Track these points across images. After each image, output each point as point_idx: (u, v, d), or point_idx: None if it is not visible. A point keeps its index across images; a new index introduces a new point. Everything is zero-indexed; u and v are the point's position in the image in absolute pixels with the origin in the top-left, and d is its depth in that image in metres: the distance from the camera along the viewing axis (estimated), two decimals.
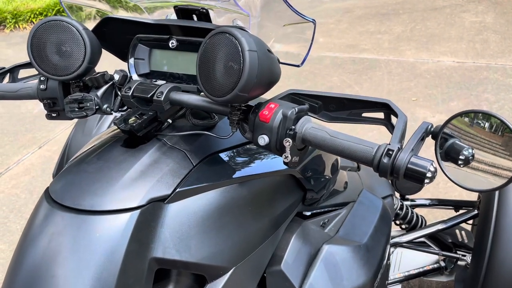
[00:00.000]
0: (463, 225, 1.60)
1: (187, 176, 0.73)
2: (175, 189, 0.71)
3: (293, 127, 0.69)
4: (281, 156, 0.70)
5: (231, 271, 0.76)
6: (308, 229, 0.99)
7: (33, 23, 6.05)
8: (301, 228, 0.97)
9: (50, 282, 0.61)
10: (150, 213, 0.67)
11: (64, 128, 3.17)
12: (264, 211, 0.86)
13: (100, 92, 0.79)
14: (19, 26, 6.00)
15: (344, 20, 5.00)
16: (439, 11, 4.87)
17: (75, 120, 1.77)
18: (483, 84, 3.31)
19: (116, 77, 0.80)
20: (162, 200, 0.69)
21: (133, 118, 0.77)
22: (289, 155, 0.68)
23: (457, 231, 1.63)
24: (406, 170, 0.60)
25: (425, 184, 0.60)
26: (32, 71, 1.06)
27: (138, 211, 0.66)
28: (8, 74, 1.02)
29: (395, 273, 1.52)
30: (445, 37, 4.22)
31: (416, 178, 0.60)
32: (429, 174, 0.59)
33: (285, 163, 0.70)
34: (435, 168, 0.60)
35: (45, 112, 0.87)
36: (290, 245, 0.93)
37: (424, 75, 3.55)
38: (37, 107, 3.49)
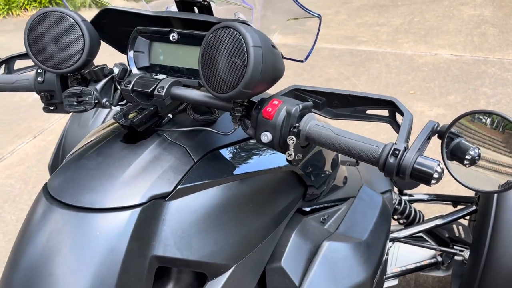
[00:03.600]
0: (461, 220, 1.60)
1: (188, 172, 0.72)
2: (176, 186, 0.69)
3: (297, 124, 0.67)
4: (284, 153, 0.69)
5: (232, 268, 0.76)
6: (308, 226, 0.98)
7: (27, 10, 5.96)
8: (301, 224, 0.97)
9: (49, 281, 0.60)
10: (151, 211, 0.66)
11: (59, 118, 3.14)
12: (265, 208, 0.85)
13: (99, 85, 0.77)
14: (12, 13, 5.91)
15: (342, 12, 4.97)
16: (437, 3, 4.85)
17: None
18: (481, 78, 3.31)
19: (116, 70, 0.78)
20: (163, 197, 0.68)
21: (133, 113, 0.75)
22: (293, 153, 0.67)
23: (454, 226, 1.63)
24: (413, 170, 0.59)
25: (431, 185, 0.60)
26: (28, 62, 1.04)
27: (139, 209, 0.65)
28: (4, 65, 0.99)
29: (392, 268, 1.53)
30: (444, 30, 4.20)
31: (423, 178, 0.59)
32: (435, 175, 0.58)
33: (288, 161, 0.69)
34: (442, 169, 0.59)
35: (42, 103, 0.86)
36: (290, 241, 0.92)
37: (422, 68, 3.54)
38: (31, 96, 3.45)
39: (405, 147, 0.61)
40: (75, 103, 0.75)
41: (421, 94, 3.16)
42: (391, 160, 0.60)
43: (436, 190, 2.22)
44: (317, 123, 0.68)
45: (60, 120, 3.11)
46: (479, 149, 0.65)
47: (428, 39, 4.06)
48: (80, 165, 0.71)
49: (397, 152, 0.60)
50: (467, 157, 0.65)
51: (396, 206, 1.52)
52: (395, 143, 0.61)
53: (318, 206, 1.10)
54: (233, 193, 0.77)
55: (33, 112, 3.25)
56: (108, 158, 0.71)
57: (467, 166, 0.66)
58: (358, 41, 4.16)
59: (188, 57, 0.82)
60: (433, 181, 0.58)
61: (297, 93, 0.77)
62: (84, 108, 0.75)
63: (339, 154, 1.21)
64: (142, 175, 0.68)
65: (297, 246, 0.92)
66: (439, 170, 0.58)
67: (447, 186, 2.24)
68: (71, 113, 1.70)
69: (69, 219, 0.63)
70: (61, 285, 0.60)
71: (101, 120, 1.55)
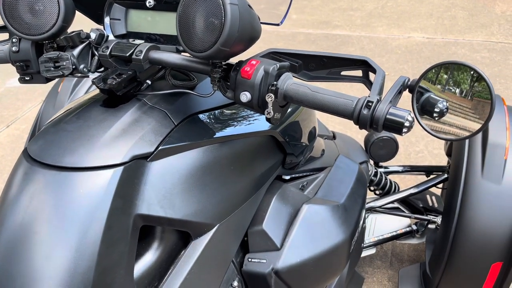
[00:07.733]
0: (434, 190, 1.67)
1: (169, 135, 0.73)
2: (157, 147, 0.71)
3: (275, 83, 0.69)
4: (263, 113, 0.71)
5: (215, 228, 0.78)
6: (288, 191, 1.01)
7: None
8: (281, 190, 0.99)
9: (34, 239, 0.60)
10: (133, 170, 0.67)
11: (32, 106, 3.07)
12: (246, 171, 0.87)
13: (76, 51, 0.77)
14: None
15: None
16: None
17: (44, 97, 1.72)
18: (452, 59, 3.40)
19: (93, 36, 0.78)
20: (145, 158, 0.69)
21: (112, 78, 0.76)
22: (271, 111, 0.69)
23: (427, 196, 1.70)
24: (385, 121, 0.62)
25: (403, 134, 0.63)
26: (1, 36, 1.02)
27: (121, 167, 0.66)
28: None
29: (369, 238, 1.58)
30: (415, 14, 4.29)
31: (395, 128, 0.62)
32: (407, 124, 0.61)
33: (267, 119, 0.71)
34: (413, 118, 0.62)
35: (18, 76, 0.85)
36: (271, 206, 0.94)
37: (395, 51, 3.61)
38: (3, 85, 3.36)
39: (378, 99, 0.63)
40: (52, 68, 0.75)
41: (395, 75, 3.23)
42: (365, 111, 0.63)
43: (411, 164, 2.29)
44: (294, 81, 0.70)
45: (33, 109, 3.04)
46: (447, 102, 0.69)
47: (401, 22, 4.14)
48: (60, 128, 0.71)
49: (370, 104, 0.63)
50: (435, 110, 0.68)
51: (372, 178, 1.57)
52: (369, 96, 0.64)
53: (297, 175, 1.13)
54: (214, 155, 0.79)
55: (4, 101, 3.16)
56: (88, 120, 0.71)
57: (437, 118, 0.69)
58: (333, 26, 4.20)
59: (164, 23, 0.83)
60: (404, 130, 0.61)
61: (274, 56, 0.79)
62: (61, 73, 0.75)
63: (316, 127, 1.24)
64: (123, 136, 0.69)
65: (277, 210, 0.95)
66: (409, 119, 0.61)
67: (421, 162, 2.32)
68: (46, 96, 1.68)
69: (51, 179, 0.64)
70: (47, 243, 0.60)
71: None
